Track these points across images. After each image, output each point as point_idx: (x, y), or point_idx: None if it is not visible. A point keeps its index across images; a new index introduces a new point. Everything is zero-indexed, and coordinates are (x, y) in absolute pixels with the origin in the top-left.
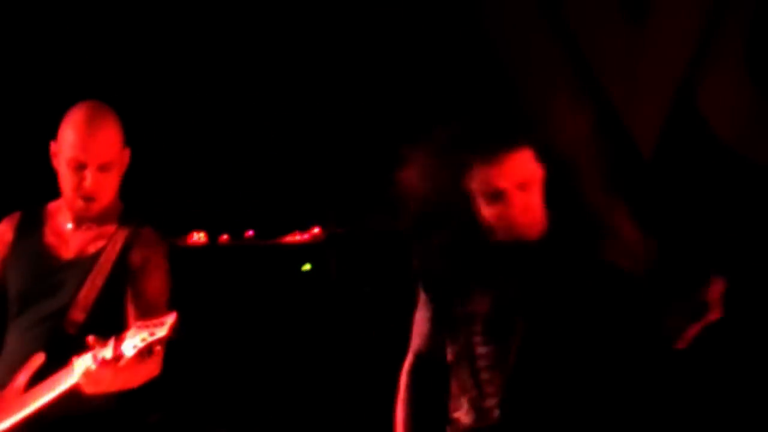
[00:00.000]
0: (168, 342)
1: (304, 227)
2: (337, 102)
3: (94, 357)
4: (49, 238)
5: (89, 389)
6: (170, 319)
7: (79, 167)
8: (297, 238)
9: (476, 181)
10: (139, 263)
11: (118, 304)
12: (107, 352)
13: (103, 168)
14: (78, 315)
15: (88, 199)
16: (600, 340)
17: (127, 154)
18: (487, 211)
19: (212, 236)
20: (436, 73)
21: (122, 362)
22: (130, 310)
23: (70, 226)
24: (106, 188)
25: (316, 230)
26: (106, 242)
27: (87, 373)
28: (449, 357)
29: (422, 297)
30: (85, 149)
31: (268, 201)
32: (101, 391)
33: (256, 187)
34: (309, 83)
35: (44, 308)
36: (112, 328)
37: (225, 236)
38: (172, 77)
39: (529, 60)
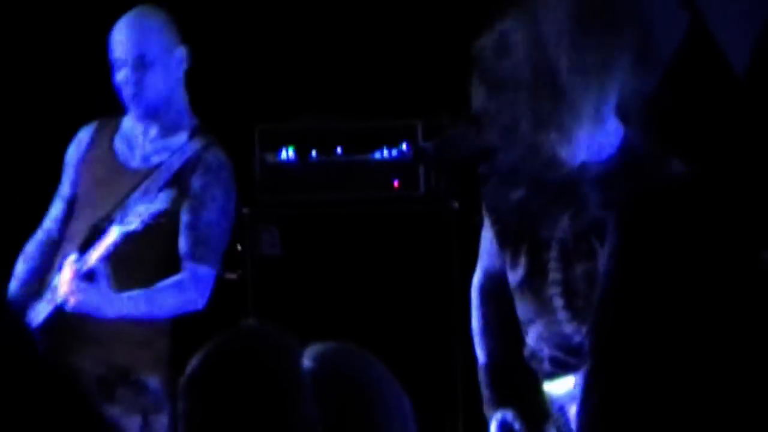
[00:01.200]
0: (260, 258)
1: (393, 143)
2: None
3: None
4: (119, 145)
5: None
6: None
7: (119, 66)
8: (385, 154)
9: None
10: (198, 191)
11: (165, 226)
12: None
13: (139, 64)
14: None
15: (130, 98)
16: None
17: (179, 54)
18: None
19: (301, 152)
20: None
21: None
22: (180, 239)
23: (138, 135)
24: (148, 86)
25: (404, 146)
26: (169, 156)
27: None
28: (513, 282)
29: (487, 219)
30: (117, 45)
31: (355, 117)
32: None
33: (344, 103)
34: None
35: (95, 214)
36: (155, 250)
37: (313, 152)
38: None
39: None
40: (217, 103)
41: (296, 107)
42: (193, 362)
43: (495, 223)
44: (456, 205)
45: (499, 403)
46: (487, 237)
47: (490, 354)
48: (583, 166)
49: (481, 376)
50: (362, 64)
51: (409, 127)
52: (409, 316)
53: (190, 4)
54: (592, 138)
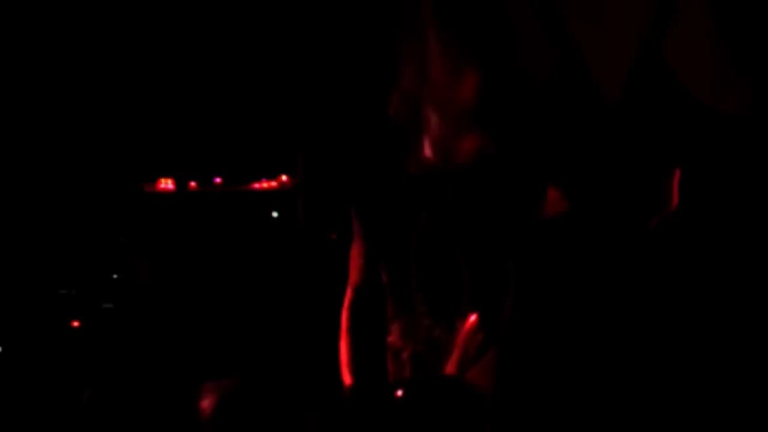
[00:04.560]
0: (139, 288)
1: (272, 175)
2: (304, 46)
3: None
4: None
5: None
6: None
7: None
8: (265, 185)
9: None
10: None
11: None
12: None
13: None
14: None
15: None
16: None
17: None
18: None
19: (180, 183)
20: None
21: None
22: None
23: None
24: None
25: (284, 178)
26: None
27: None
28: (384, 279)
29: (356, 228)
30: None
31: (236, 148)
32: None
33: (225, 133)
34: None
35: None
36: None
37: (193, 183)
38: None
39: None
40: (97, 130)
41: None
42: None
43: (362, 225)
44: (334, 235)
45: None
46: (357, 250)
47: (356, 373)
48: (444, 163)
49: (352, 393)
50: (241, 97)
51: (287, 159)
52: (287, 345)
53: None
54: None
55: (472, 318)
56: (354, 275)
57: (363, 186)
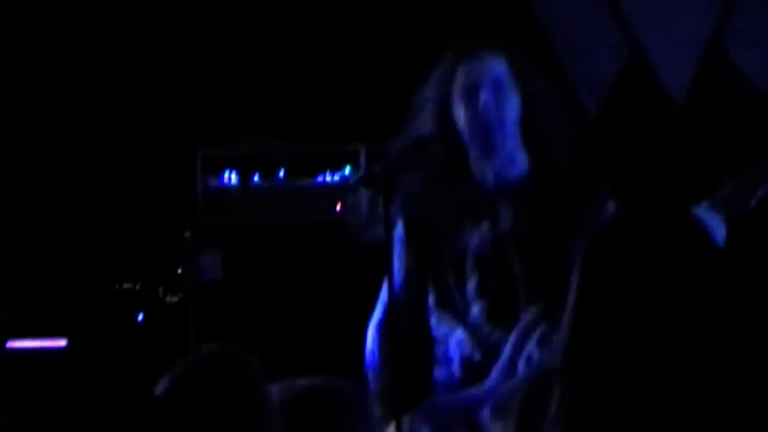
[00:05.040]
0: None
1: (336, 167)
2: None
3: None
4: None
5: None
6: None
7: None
8: (329, 179)
9: (456, 83)
10: None
11: None
12: None
13: None
14: None
15: None
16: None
17: None
18: (461, 113)
19: (243, 176)
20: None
21: None
22: None
23: None
24: None
25: (347, 170)
26: None
27: None
28: (432, 299)
29: (398, 243)
30: None
31: (299, 141)
32: None
33: (288, 127)
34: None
35: None
36: None
37: (255, 176)
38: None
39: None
40: (159, 126)
41: (239, 131)
42: (161, 389)
43: (412, 245)
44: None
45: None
46: (397, 267)
47: (386, 379)
48: (498, 181)
49: (376, 399)
50: (306, 88)
51: (352, 152)
52: (349, 340)
53: (135, 28)
54: (509, 157)
55: (527, 317)
56: (390, 293)
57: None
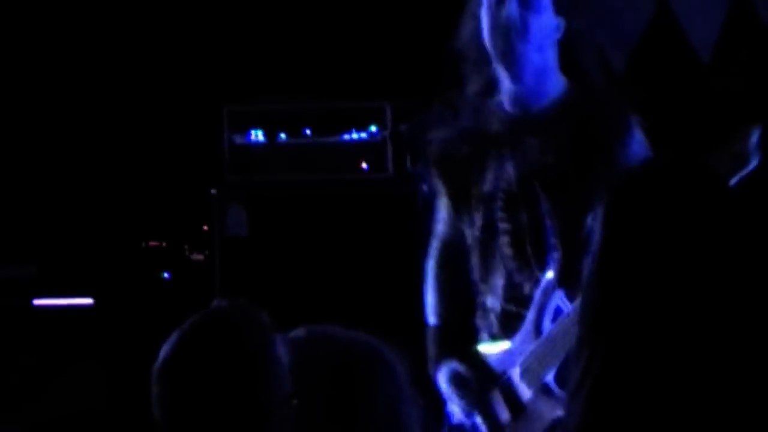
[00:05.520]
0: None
1: (362, 125)
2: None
3: None
4: None
5: None
6: None
7: None
8: (354, 136)
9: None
10: None
11: None
12: None
13: None
14: None
15: None
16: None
17: None
18: (486, 24)
19: (270, 133)
20: None
21: None
22: None
23: None
24: None
25: (373, 128)
26: None
27: None
28: (469, 240)
29: (438, 183)
30: None
31: (324, 99)
32: None
33: (313, 84)
34: None
35: None
36: None
37: (282, 134)
38: None
39: None
40: (185, 83)
41: (264, 88)
42: (167, 347)
43: (445, 185)
44: (423, 187)
45: (445, 357)
46: (441, 204)
47: (439, 315)
48: (524, 113)
49: (429, 336)
50: (331, 46)
51: (377, 110)
52: (375, 297)
53: None
54: (536, 86)
55: (549, 274)
56: (439, 227)
57: (449, 145)
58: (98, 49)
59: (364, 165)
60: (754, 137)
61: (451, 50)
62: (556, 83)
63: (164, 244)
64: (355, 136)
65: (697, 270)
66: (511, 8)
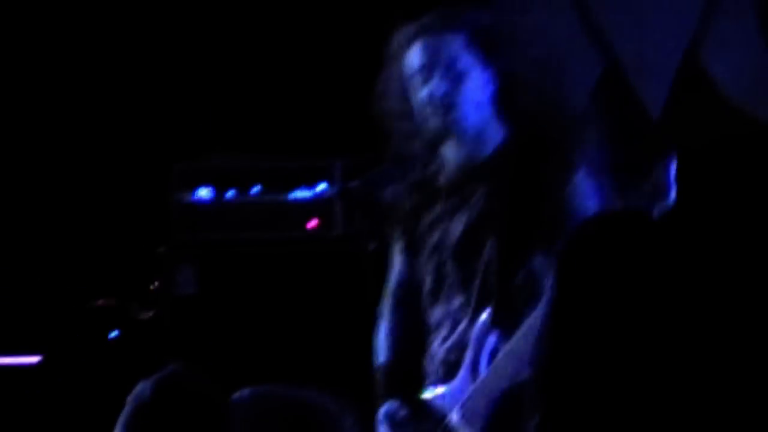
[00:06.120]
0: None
1: (311, 183)
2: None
3: None
4: None
5: None
6: None
7: None
8: (303, 194)
9: (410, 63)
10: None
11: None
12: None
13: None
14: None
15: None
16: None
17: None
18: (416, 98)
19: (218, 191)
20: None
21: None
22: None
23: None
24: None
25: (322, 186)
26: None
27: None
28: (422, 288)
29: (391, 236)
30: None
31: (273, 156)
32: None
33: (262, 142)
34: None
35: None
36: None
37: (230, 191)
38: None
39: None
40: (133, 141)
41: (213, 145)
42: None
43: (398, 238)
44: (372, 245)
45: (387, 397)
46: (395, 257)
47: (386, 356)
48: (469, 164)
49: (378, 377)
50: (280, 103)
51: (327, 167)
52: (324, 355)
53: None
54: (477, 138)
55: (484, 316)
56: (396, 269)
57: (399, 198)
58: (48, 104)
59: (313, 223)
60: (672, 168)
61: (380, 109)
62: (498, 130)
63: (113, 302)
64: (304, 194)
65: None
66: (437, 88)
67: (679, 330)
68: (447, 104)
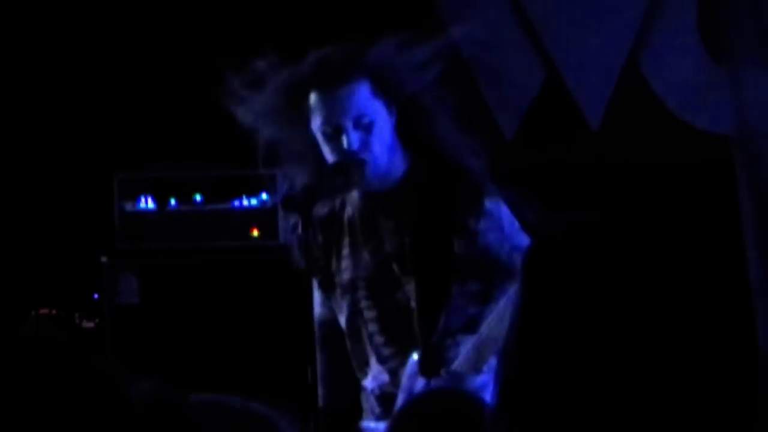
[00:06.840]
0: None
1: (253, 192)
2: None
3: None
4: None
5: None
6: None
7: None
8: (245, 203)
9: (315, 118)
10: None
11: None
12: None
13: None
14: None
15: None
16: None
17: None
18: (326, 151)
19: (160, 200)
20: None
21: None
22: None
23: None
24: None
25: (264, 195)
26: None
27: None
28: (342, 325)
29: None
30: None
31: (215, 165)
32: None
33: (204, 151)
34: None
35: None
36: None
37: (172, 200)
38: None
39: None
40: (74, 150)
41: (155, 154)
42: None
43: (311, 274)
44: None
45: None
46: (315, 284)
47: (323, 398)
48: (373, 195)
49: (322, 420)
50: (222, 112)
51: (268, 177)
52: (266, 364)
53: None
54: (385, 169)
55: (415, 356)
56: (317, 310)
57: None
58: None
59: (254, 232)
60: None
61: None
62: (401, 160)
63: (54, 311)
64: (246, 202)
65: (619, 335)
66: (349, 144)
67: (648, 337)
68: (360, 159)
